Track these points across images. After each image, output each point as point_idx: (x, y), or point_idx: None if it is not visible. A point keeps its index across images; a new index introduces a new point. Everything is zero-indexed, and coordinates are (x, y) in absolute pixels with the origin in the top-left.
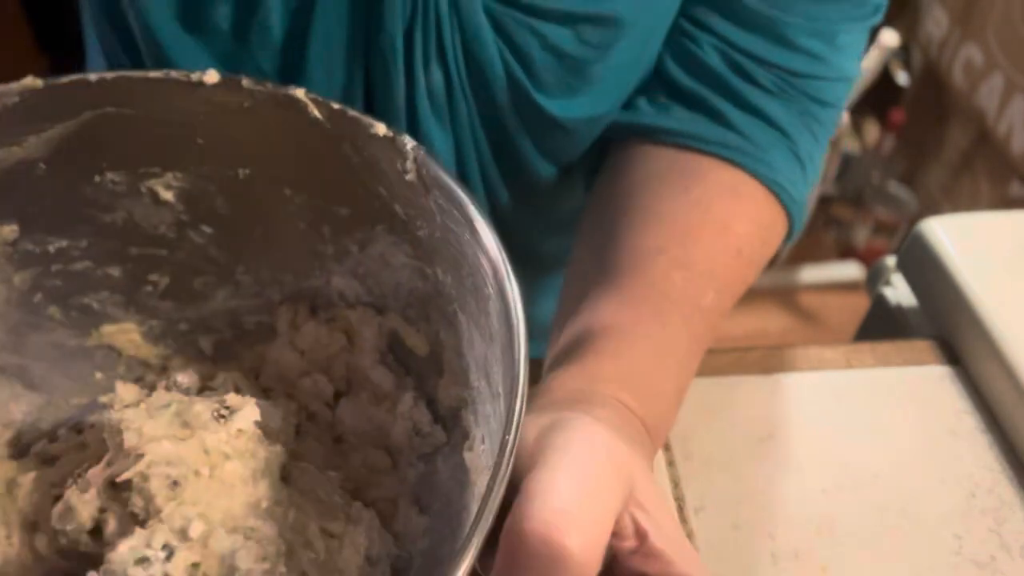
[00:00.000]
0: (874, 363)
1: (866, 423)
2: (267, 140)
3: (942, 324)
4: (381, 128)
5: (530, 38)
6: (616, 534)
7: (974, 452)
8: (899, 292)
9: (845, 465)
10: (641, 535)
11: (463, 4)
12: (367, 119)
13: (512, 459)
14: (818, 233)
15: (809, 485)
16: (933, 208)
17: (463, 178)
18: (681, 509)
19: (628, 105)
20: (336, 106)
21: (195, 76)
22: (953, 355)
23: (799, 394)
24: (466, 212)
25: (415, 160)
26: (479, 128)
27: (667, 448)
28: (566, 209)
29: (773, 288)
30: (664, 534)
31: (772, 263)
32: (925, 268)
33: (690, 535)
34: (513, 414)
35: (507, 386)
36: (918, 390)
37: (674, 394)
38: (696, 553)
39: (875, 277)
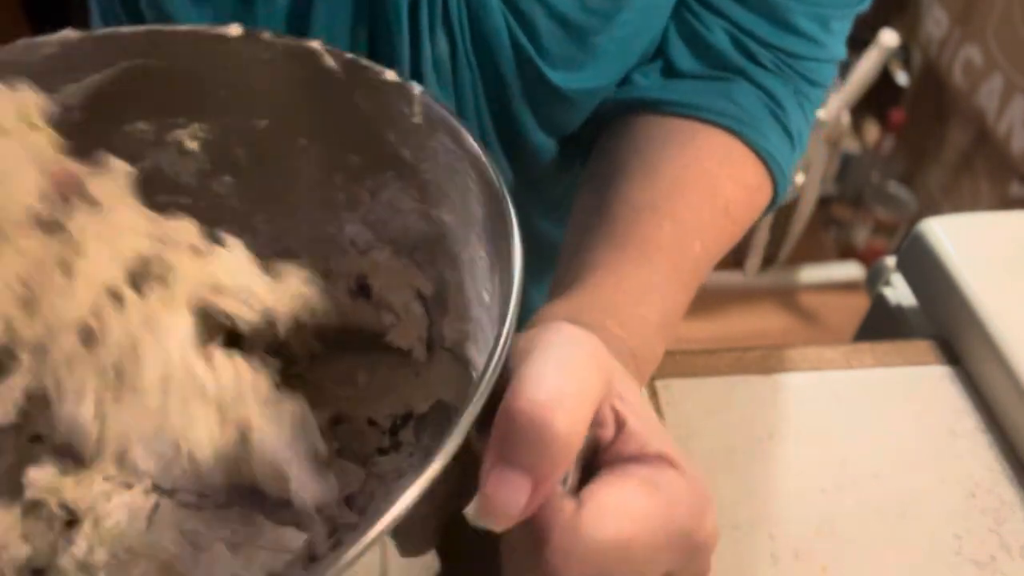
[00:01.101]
0: (874, 363)
1: (866, 423)
2: (284, 91)
3: (942, 324)
4: (391, 74)
5: (535, 5)
6: (598, 424)
7: (974, 452)
8: (899, 292)
9: (845, 465)
10: (620, 423)
11: None
12: (378, 67)
13: (507, 348)
14: (818, 233)
15: (809, 485)
16: (933, 208)
17: None
18: None
19: (626, 82)
20: (349, 56)
21: (219, 29)
22: (953, 355)
23: (799, 394)
24: (467, 146)
25: (422, 103)
26: (482, 97)
27: None
28: (562, 190)
29: (773, 288)
30: (640, 419)
31: (771, 262)
32: (925, 268)
33: None
34: (508, 305)
35: (503, 292)
36: (918, 390)
37: (659, 327)
38: (670, 436)
39: (875, 277)
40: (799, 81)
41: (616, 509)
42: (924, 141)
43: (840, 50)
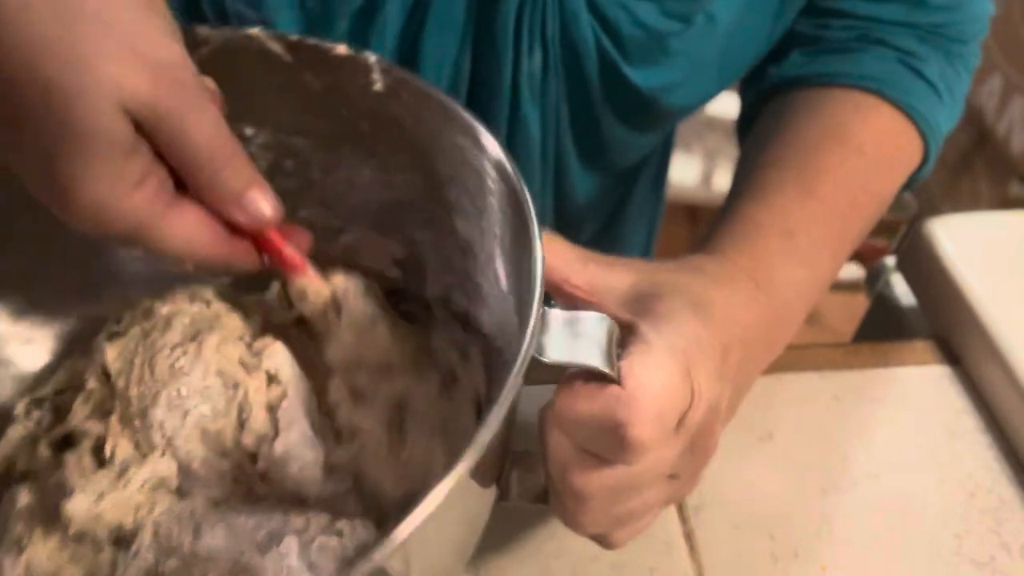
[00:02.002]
0: (874, 363)
1: (866, 423)
2: (225, 83)
3: (942, 324)
4: (342, 48)
5: (620, 12)
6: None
7: (974, 452)
8: (899, 292)
9: (845, 465)
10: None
11: None
12: (326, 44)
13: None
14: None
15: (809, 485)
16: (933, 208)
17: (542, 149)
18: (681, 509)
19: (761, 76)
20: (294, 38)
21: None
22: (953, 355)
23: (799, 394)
24: (437, 101)
25: (381, 69)
26: (564, 102)
27: None
28: (630, 163)
29: None
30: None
31: None
32: (925, 268)
33: (690, 535)
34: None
35: (516, 252)
36: (918, 390)
37: (786, 253)
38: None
39: (875, 277)
40: (945, 43)
41: (652, 383)
42: None
43: (984, 5)
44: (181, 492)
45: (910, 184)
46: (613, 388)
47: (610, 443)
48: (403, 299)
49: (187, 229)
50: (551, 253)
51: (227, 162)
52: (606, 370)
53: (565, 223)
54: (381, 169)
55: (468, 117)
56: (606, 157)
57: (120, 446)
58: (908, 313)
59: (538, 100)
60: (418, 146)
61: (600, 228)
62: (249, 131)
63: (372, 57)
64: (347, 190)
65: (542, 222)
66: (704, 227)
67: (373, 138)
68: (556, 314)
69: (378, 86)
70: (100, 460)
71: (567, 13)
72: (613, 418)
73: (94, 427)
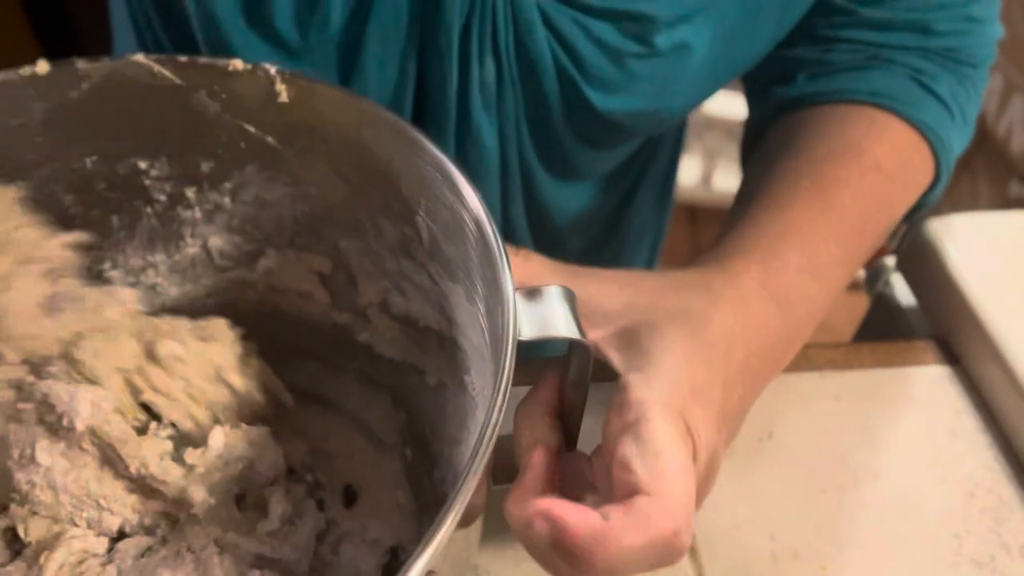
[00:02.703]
0: (874, 363)
1: (866, 423)
2: (111, 117)
3: (942, 324)
4: (238, 63)
5: (576, 29)
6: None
7: (974, 452)
8: (899, 292)
9: (845, 465)
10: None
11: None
12: (221, 60)
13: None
14: None
15: (809, 485)
16: (933, 208)
17: (503, 165)
18: None
19: (767, 95)
20: (183, 59)
21: (26, 71)
22: (953, 355)
23: (799, 394)
24: (354, 105)
25: (283, 79)
26: (523, 119)
27: None
28: (606, 178)
29: None
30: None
31: None
32: (925, 268)
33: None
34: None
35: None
36: (918, 390)
37: (800, 266)
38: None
39: (875, 277)
40: (954, 64)
41: (634, 523)
42: None
43: (993, 31)
44: (109, 554)
45: (921, 205)
46: (652, 505)
47: (663, 555)
48: (336, 310)
49: None
50: (524, 268)
51: None
52: (578, 338)
53: (545, 237)
54: (294, 183)
55: (389, 115)
56: (574, 171)
57: (31, 527)
58: (908, 313)
59: (494, 112)
60: (335, 152)
61: (590, 244)
62: (143, 164)
63: (272, 69)
64: (259, 211)
65: (514, 236)
66: (703, 227)
67: (282, 152)
68: (517, 294)
69: (283, 97)
70: (17, 547)
71: (521, 24)
72: (666, 537)
73: None
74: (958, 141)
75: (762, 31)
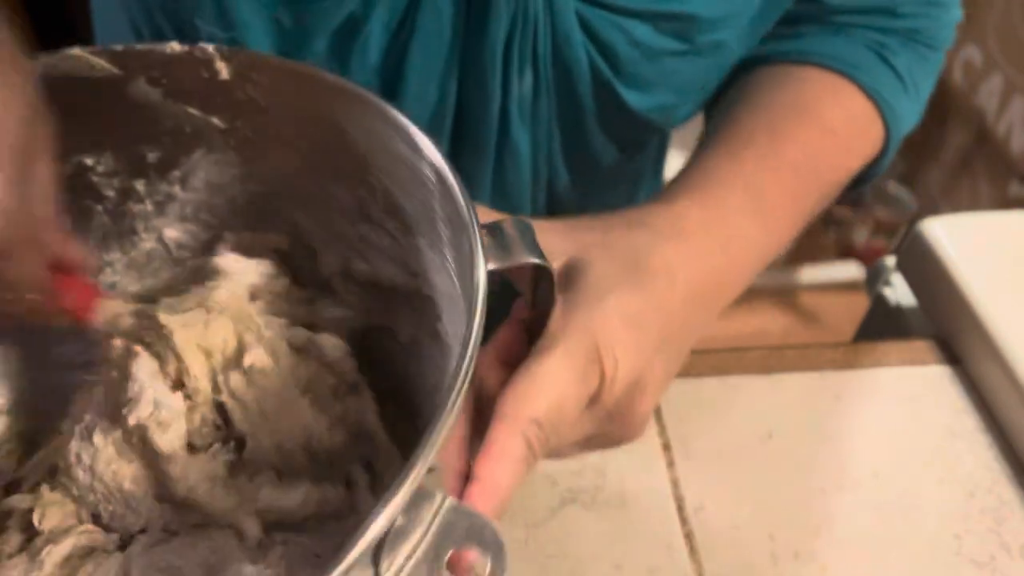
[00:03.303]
0: (874, 363)
1: (866, 423)
2: (52, 115)
3: (942, 324)
4: (175, 45)
5: (616, 34)
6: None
7: (974, 452)
8: (899, 292)
9: (845, 465)
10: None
11: (557, 7)
12: (159, 45)
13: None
14: (818, 233)
15: (809, 485)
16: (933, 208)
17: (533, 167)
18: (681, 509)
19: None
20: (119, 47)
21: None
22: (953, 355)
23: (799, 394)
24: (296, 73)
25: (221, 56)
26: (555, 121)
27: (667, 448)
28: (621, 171)
29: (773, 288)
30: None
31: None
32: (925, 268)
33: (690, 535)
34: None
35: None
36: (918, 390)
37: (748, 211)
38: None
39: (875, 277)
40: (915, 45)
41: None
42: (924, 141)
43: (954, 14)
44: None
45: (869, 176)
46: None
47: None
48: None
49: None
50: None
51: None
52: (541, 262)
53: None
54: (244, 162)
55: (334, 78)
56: (594, 168)
57: (48, 515)
58: (908, 313)
59: (528, 122)
60: (281, 124)
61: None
62: (89, 161)
63: (210, 47)
64: (210, 196)
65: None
66: None
67: (229, 132)
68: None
69: (224, 74)
70: (30, 533)
71: (559, 33)
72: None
73: (23, 501)
74: (909, 115)
75: (772, 16)
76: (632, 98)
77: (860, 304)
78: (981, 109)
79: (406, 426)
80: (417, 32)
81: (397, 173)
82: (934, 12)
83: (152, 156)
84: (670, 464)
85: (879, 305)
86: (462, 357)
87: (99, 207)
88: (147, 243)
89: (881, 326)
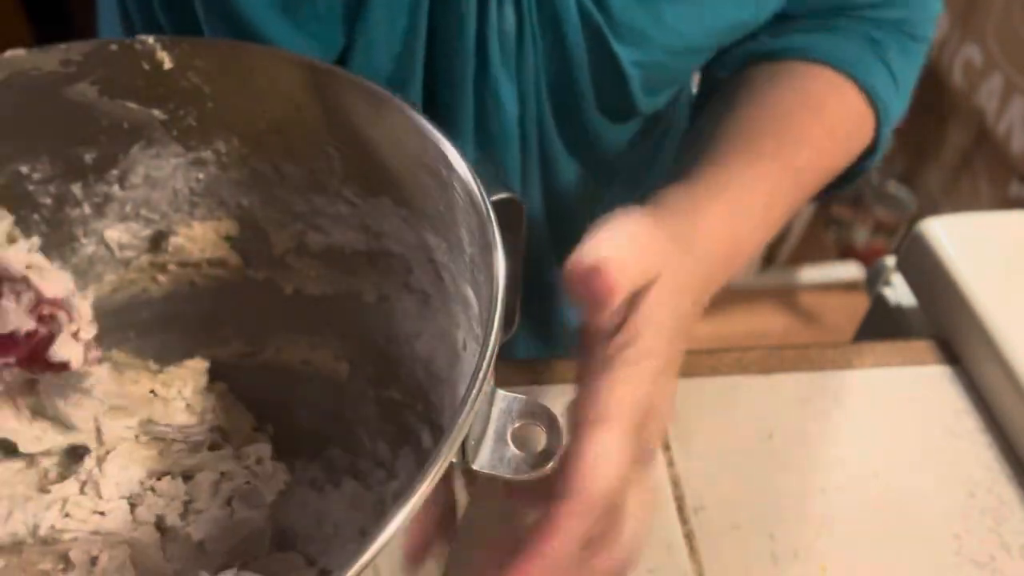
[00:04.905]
0: (874, 363)
1: (866, 423)
2: None
3: (942, 324)
4: (115, 45)
5: None
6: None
7: (973, 452)
8: (899, 292)
9: (845, 465)
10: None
11: None
12: (98, 42)
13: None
14: (818, 233)
15: (809, 485)
16: (933, 208)
17: (523, 136)
18: (681, 509)
19: (729, 51)
20: (63, 46)
21: None
22: (953, 355)
23: (799, 394)
24: (241, 54)
25: (163, 46)
26: (543, 77)
27: (667, 448)
28: (627, 172)
29: (773, 288)
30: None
31: (771, 262)
32: (925, 268)
33: (690, 535)
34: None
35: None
36: (918, 390)
37: (762, 213)
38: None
39: (875, 277)
40: (901, 35)
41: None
42: (924, 141)
43: (936, 5)
44: None
45: (855, 174)
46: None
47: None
48: (251, 267)
49: None
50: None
51: None
52: (511, 195)
53: (560, 223)
54: (185, 151)
55: (284, 52)
56: (591, 149)
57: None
58: (908, 313)
59: (513, 69)
60: (227, 109)
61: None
62: (24, 169)
63: (150, 38)
64: (150, 191)
65: (530, 219)
66: None
67: (170, 122)
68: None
69: (167, 64)
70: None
71: None
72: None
73: None
74: (897, 110)
75: None
76: (621, 51)
77: (860, 304)
78: (981, 109)
79: (387, 379)
80: None
81: (363, 138)
82: (919, 2)
83: (89, 157)
84: (670, 464)
85: (879, 305)
86: (493, 300)
87: (35, 216)
88: (88, 247)
89: (881, 326)
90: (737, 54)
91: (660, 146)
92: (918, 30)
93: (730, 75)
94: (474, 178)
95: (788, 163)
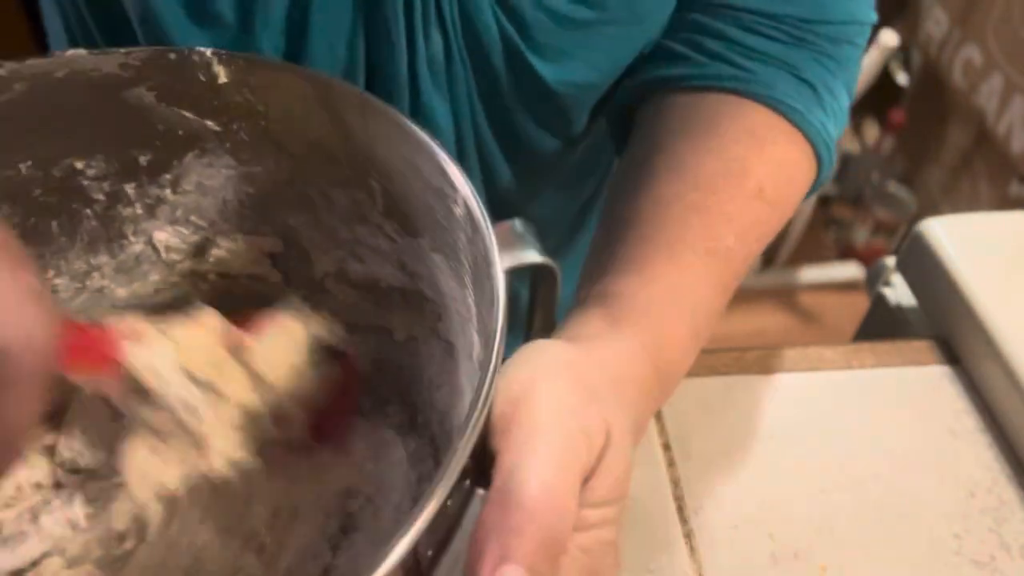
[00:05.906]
0: (874, 363)
1: (866, 423)
2: (43, 119)
3: (942, 324)
4: (174, 51)
5: None
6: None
7: (973, 452)
8: (899, 292)
9: (845, 465)
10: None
11: None
12: (156, 50)
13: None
14: (818, 233)
15: (809, 485)
16: (933, 208)
17: (460, 149)
18: (681, 509)
19: (636, 69)
20: (123, 51)
21: None
22: (953, 355)
23: (799, 394)
24: (295, 76)
25: (219, 60)
26: (476, 97)
27: (667, 448)
28: (565, 174)
29: (773, 288)
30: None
31: (771, 262)
32: (925, 268)
33: (690, 535)
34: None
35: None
36: (918, 390)
37: (689, 339)
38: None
39: (875, 277)
40: (821, 43)
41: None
42: (924, 141)
43: (861, 12)
44: None
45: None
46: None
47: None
48: (290, 286)
49: None
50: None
51: None
52: (547, 262)
53: (497, 218)
54: (237, 165)
55: (334, 80)
56: (532, 161)
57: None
58: (908, 313)
59: (445, 90)
60: (278, 127)
61: (549, 254)
62: (79, 164)
63: (208, 51)
64: (201, 198)
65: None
66: None
67: (224, 134)
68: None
69: (222, 78)
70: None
71: None
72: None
73: None
74: (834, 126)
75: None
76: (545, 70)
77: (860, 304)
78: (981, 109)
79: (403, 418)
80: None
81: (399, 173)
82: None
83: (144, 159)
84: (670, 464)
85: (879, 305)
86: (489, 348)
87: (88, 211)
88: (136, 246)
89: (881, 326)
90: (642, 73)
91: (602, 148)
92: (839, 34)
93: (633, 96)
94: (490, 239)
95: (711, 253)
